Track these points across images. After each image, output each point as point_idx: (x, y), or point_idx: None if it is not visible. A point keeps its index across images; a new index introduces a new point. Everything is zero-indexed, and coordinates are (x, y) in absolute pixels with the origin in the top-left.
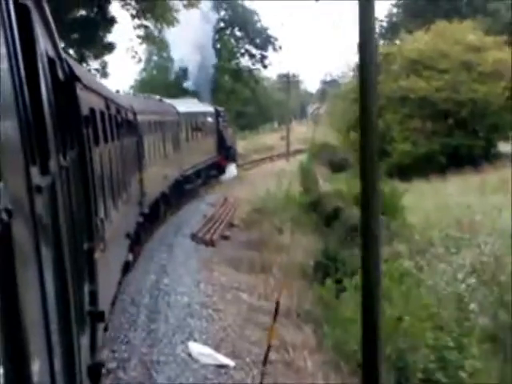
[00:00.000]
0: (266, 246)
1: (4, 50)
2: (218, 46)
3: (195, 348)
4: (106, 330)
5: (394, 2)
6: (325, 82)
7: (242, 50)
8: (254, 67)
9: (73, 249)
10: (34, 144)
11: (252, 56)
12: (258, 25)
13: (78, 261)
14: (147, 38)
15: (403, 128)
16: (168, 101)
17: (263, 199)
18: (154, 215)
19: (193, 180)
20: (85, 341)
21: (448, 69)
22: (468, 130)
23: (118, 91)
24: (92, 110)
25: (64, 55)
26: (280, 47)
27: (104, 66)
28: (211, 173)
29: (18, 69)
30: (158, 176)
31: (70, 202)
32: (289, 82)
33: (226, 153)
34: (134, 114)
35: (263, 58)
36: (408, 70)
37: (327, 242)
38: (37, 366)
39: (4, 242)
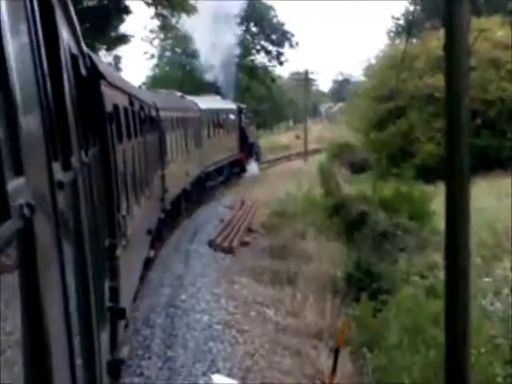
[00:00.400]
0: (289, 253)
1: (28, 46)
2: (233, 41)
3: (219, 381)
4: (126, 326)
5: (411, 0)
6: (337, 82)
7: (258, 47)
8: (269, 64)
9: (94, 245)
10: (57, 140)
11: (268, 52)
12: (275, 20)
13: (99, 257)
14: (164, 28)
15: (428, 128)
16: (190, 97)
17: (283, 202)
18: (176, 211)
19: (214, 177)
20: (105, 337)
21: (475, 66)
22: (496, 131)
23: (140, 87)
24: (116, 107)
25: (87, 51)
26: (297, 43)
27: (117, 61)
28: (233, 170)
29: (42, 65)
30: (179, 172)
31: (91, 199)
32: (307, 79)
33: (248, 150)
34: (157, 110)
35: (279, 54)
36: (433, 68)
37: (356, 250)
38: (57, 361)
39: (26, 237)
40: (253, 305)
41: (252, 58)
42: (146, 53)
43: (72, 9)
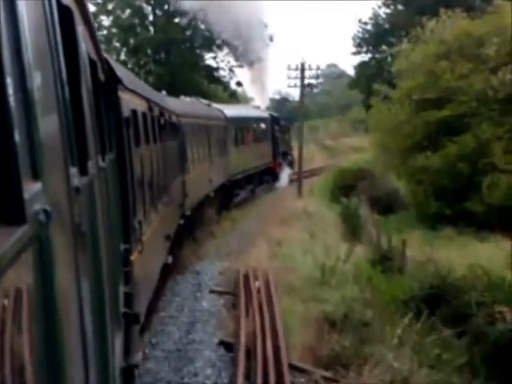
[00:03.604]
0: None
1: (47, 51)
2: None
3: None
4: (141, 332)
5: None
6: (274, 100)
7: (219, 41)
8: (235, 64)
9: (109, 250)
10: (74, 145)
11: (234, 49)
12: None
13: (114, 262)
14: None
15: (510, 149)
16: (216, 105)
17: (319, 282)
18: (197, 217)
19: (243, 185)
20: (119, 342)
21: None
22: None
23: (162, 92)
24: (134, 112)
25: (105, 56)
26: (271, 38)
27: None
28: (265, 178)
29: (60, 70)
30: (202, 179)
31: (108, 204)
32: (303, 76)
33: (281, 159)
34: (178, 116)
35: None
36: None
37: None
38: (72, 365)
39: (42, 243)
40: None
41: (213, 54)
42: None
43: (90, 13)
